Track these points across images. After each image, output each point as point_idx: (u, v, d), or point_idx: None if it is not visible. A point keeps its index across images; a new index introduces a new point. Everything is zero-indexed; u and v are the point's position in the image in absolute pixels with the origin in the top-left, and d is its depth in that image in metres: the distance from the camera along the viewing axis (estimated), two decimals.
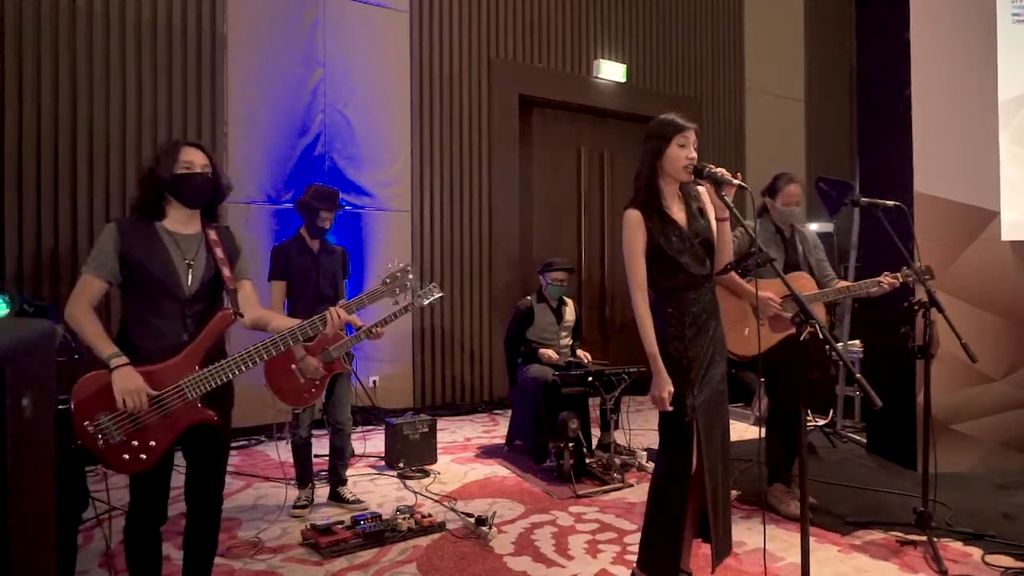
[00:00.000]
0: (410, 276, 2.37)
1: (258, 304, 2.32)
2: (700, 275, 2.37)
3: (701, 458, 2.33)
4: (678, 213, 2.40)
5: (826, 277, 3.50)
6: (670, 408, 2.31)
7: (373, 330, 3.45)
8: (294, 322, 2.20)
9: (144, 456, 2.01)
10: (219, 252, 2.19)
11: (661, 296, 2.38)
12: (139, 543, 2.15)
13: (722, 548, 2.43)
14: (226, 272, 2.19)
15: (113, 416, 1.98)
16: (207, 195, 2.19)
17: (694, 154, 2.33)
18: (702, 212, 2.43)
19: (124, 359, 2.00)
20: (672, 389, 2.30)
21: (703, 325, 2.37)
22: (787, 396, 3.44)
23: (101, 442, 1.97)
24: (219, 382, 2.09)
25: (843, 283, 3.49)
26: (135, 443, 2.00)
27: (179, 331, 2.11)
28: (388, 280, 2.36)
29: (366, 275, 5.58)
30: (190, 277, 2.14)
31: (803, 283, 3.37)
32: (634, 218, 2.36)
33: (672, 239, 2.34)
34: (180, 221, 2.17)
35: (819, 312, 3.43)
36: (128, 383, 1.96)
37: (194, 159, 2.14)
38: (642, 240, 2.35)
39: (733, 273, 2.97)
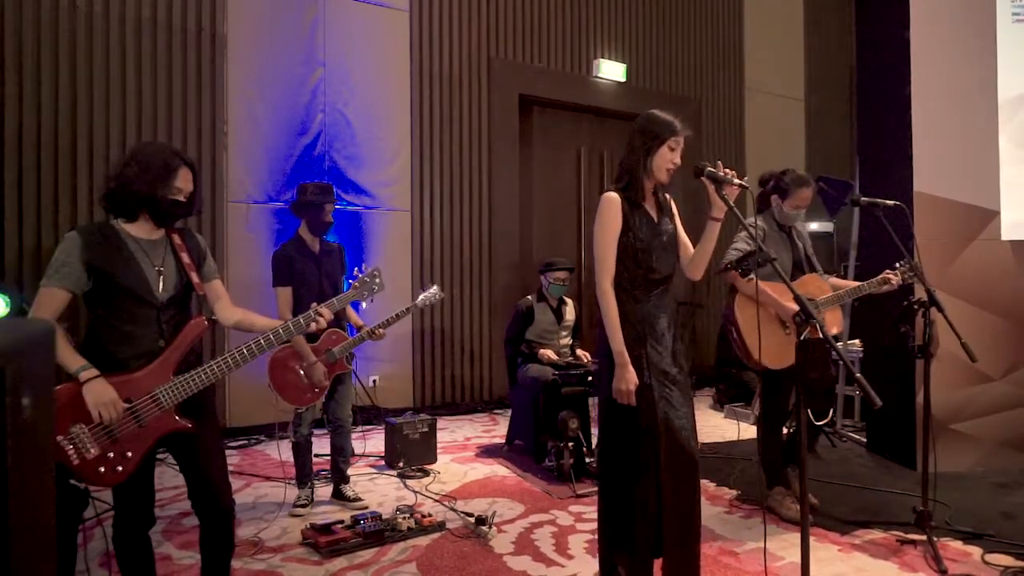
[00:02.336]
0: (377, 280, 2.46)
1: (231, 303, 2.31)
2: (663, 275, 2.37)
3: (659, 469, 2.23)
4: (652, 211, 2.40)
5: (816, 271, 3.49)
6: (633, 403, 2.25)
7: (375, 331, 3.48)
8: (277, 322, 2.21)
9: (120, 468, 1.98)
10: (185, 257, 2.17)
11: (625, 291, 2.35)
12: (129, 549, 2.13)
13: (679, 570, 2.27)
14: (195, 278, 2.17)
15: (89, 428, 1.94)
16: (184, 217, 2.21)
17: (679, 160, 2.33)
18: (671, 218, 2.44)
19: (94, 371, 1.95)
20: (637, 381, 2.26)
21: (661, 326, 2.34)
22: (783, 397, 3.43)
23: (75, 456, 1.92)
24: (195, 389, 2.07)
25: (837, 280, 3.49)
26: (110, 454, 1.97)
27: (155, 337, 2.08)
28: (358, 284, 2.46)
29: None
30: (161, 284, 2.10)
31: (818, 285, 3.34)
32: (614, 200, 2.34)
33: (645, 232, 2.34)
34: (146, 229, 2.13)
35: (837, 317, 3.40)
36: (101, 396, 1.93)
37: (184, 186, 2.11)
38: (618, 225, 2.33)
39: (735, 273, 2.97)
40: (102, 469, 1.96)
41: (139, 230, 2.12)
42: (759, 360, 3.16)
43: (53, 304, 1.99)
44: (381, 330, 3.49)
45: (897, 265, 3.28)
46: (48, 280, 2.00)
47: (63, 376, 1.96)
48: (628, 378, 2.25)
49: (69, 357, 1.96)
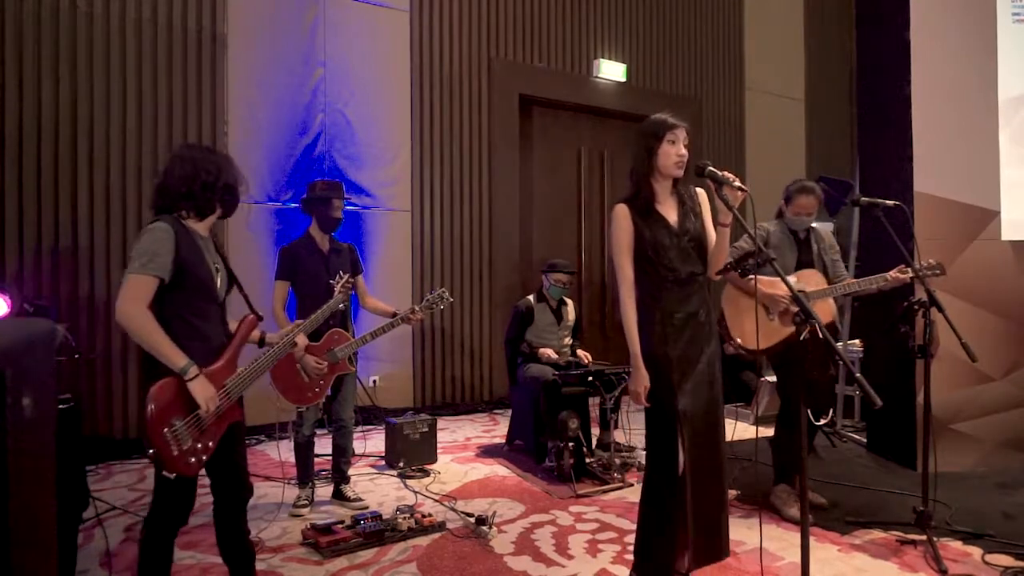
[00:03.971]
0: (351, 285, 2.95)
1: None
2: (687, 274, 2.35)
3: (686, 463, 2.28)
4: (669, 211, 2.40)
5: (839, 277, 3.51)
6: (647, 404, 2.32)
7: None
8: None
9: (205, 457, 2.08)
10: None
11: (646, 293, 2.37)
12: (161, 546, 2.12)
13: (705, 555, 2.32)
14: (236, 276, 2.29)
15: (185, 421, 2.02)
16: None
17: (684, 151, 2.33)
18: (696, 213, 2.43)
19: (197, 369, 2.03)
20: (648, 384, 2.30)
21: (689, 324, 2.35)
22: (798, 396, 3.43)
23: (175, 448, 1.98)
24: (252, 382, 2.20)
25: (853, 282, 3.50)
26: (199, 445, 2.06)
27: (220, 333, 2.20)
28: (340, 292, 2.85)
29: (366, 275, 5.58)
30: (219, 280, 2.20)
31: (814, 280, 3.38)
32: (621, 212, 2.38)
33: (659, 235, 2.34)
34: (205, 226, 2.22)
35: (827, 308, 3.42)
36: (208, 390, 2.04)
37: None
38: (628, 234, 2.36)
39: (734, 273, 2.98)
40: (192, 460, 2.04)
41: (201, 228, 2.20)
42: (739, 341, 3.30)
43: (148, 293, 2.02)
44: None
45: (914, 265, 3.25)
46: (142, 268, 2.01)
47: (164, 369, 2.00)
48: (639, 380, 2.31)
49: (173, 353, 2.01)
